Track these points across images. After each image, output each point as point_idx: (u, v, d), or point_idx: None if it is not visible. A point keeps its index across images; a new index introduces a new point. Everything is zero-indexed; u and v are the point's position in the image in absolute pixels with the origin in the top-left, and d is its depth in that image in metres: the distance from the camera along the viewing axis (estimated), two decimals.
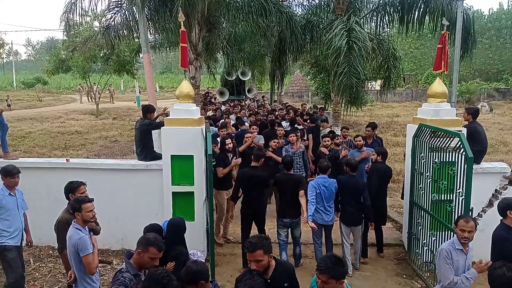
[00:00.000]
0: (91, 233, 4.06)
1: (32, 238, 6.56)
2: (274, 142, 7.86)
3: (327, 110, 19.24)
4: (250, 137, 7.98)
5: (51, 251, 6.51)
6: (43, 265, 6.20)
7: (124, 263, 3.35)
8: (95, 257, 3.85)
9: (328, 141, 7.86)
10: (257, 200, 6.02)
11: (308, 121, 10.34)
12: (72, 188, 4.37)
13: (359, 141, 7.42)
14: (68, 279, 4.01)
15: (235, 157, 6.81)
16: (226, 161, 6.67)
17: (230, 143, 6.80)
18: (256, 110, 13.26)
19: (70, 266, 3.91)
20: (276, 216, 6.15)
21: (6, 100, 27.10)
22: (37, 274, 5.93)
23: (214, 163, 6.54)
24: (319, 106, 19.26)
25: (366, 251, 6.40)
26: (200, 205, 6.24)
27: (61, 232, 4.11)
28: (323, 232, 6.04)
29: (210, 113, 13.01)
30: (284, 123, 10.30)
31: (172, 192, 6.23)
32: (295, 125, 10.05)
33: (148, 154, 6.72)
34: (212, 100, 19.68)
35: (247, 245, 3.25)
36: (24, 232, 5.14)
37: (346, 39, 9.91)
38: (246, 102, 18.79)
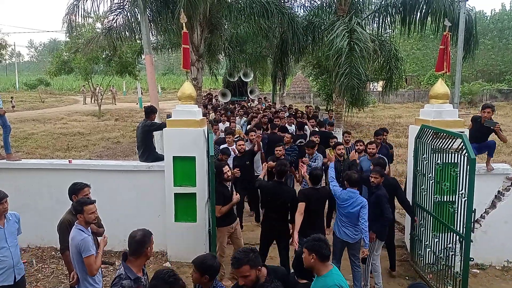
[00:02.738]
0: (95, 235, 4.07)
1: (34, 239, 6.63)
2: (277, 150, 7.05)
3: (326, 111, 19.25)
4: (242, 145, 7.51)
5: (53, 252, 6.52)
6: (45, 266, 6.21)
7: (122, 268, 3.26)
8: (98, 259, 3.86)
9: (342, 148, 7.11)
10: (281, 220, 5.39)
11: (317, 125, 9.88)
12: (75, 190, 4.36)
13: (373, 148, 6.82)
14: (70, 280, 4.01)
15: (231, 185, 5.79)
16: (226, 195, 5.62)
17: (228, 170, 5.75)
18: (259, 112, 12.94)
19: (73, 267, 3.92)
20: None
21: (11, 102, 27.20)
22: (39, 275, 5.93)
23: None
24: (321, 107, 19.26)
25: (395, 263, 6.08)
26: (202, 207, 6.24)
27: (63, 233, 4.11)
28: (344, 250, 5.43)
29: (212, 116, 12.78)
30: (289, 127, 9.86)
31: (174, 193, 6.24)
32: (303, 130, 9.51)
33: (150, 156, 6.75)
34: (214, 100, 19.62)
35: (232, 261, 3.15)
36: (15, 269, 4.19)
37: (347, 40, 9.92)
38: (249, 103, 18.68)
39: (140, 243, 3.25)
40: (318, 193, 5.25)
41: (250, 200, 8.01)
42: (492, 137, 6.32)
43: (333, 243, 5.26)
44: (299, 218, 5.04)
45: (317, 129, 9.67)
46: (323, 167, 7.09)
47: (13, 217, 4.24)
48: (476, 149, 6.19)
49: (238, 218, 5.87)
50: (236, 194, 5.73)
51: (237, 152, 7.47)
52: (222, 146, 7.75)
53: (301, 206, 5.08)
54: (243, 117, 12.02)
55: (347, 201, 5.11)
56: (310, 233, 4.95)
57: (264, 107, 15.46)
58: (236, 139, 7.93)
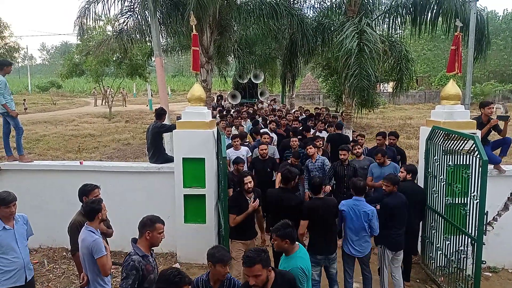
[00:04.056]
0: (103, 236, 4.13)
1: (46, 240, 6.70)
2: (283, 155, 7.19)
3: (338, 112, 19.16)
4: (265, 149, 7.27)
5: (64, 253, 6.59)
6: (56, 266, 6.28)
7: (132, 248, 3.51)
8: (109, 259, 3.90)
9: (345, 154, 6.87)
10: None
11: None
12: (86, 191, 4.41)
13: (379, 158, 6.64)
14: (80, 281, 4.05)
15: (252, 198, 5.21)
16: (242, 206, 5.15)
17: (250, 181, 5.17)
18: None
19: (83, 268, 3.96)
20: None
21: (23, 104, 27.55)
22: (51, 275, 6.00)
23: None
24: (330, 109, 19.17)
25: (409, 275, 5.84)
26: (212, 208, 6.26)
27: (73, 234, 4.15)
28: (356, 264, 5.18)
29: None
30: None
31: (184, 194, 6.27)
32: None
33: (160, 157, 6.79)
34: (223, 103, 19.56)
35: (244, 260, 3.16)
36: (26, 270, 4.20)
37: (357, 41, 9.86)
38: (259, 105, 18.52)
39: (142, 224, 3.52)
40: (324, 204, 4.85)
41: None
42: (492, 135, 6.46)
43: (343, 259, 5.14)
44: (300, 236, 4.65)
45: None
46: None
47: (22, 218, 4.25)
48: (490, 148, 6.18)
49: (255, 237, 5.41)
50: (254, 202, 5.16)
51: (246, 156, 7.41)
52: (232, 155, 7.28)
53: (303, 224, 4.77)
54: (248, 120, 11.44)
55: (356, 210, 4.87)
56: (325, 249, 4.75)
57: (269, 108, 14.99)
58: (246, 143, 7.86)
